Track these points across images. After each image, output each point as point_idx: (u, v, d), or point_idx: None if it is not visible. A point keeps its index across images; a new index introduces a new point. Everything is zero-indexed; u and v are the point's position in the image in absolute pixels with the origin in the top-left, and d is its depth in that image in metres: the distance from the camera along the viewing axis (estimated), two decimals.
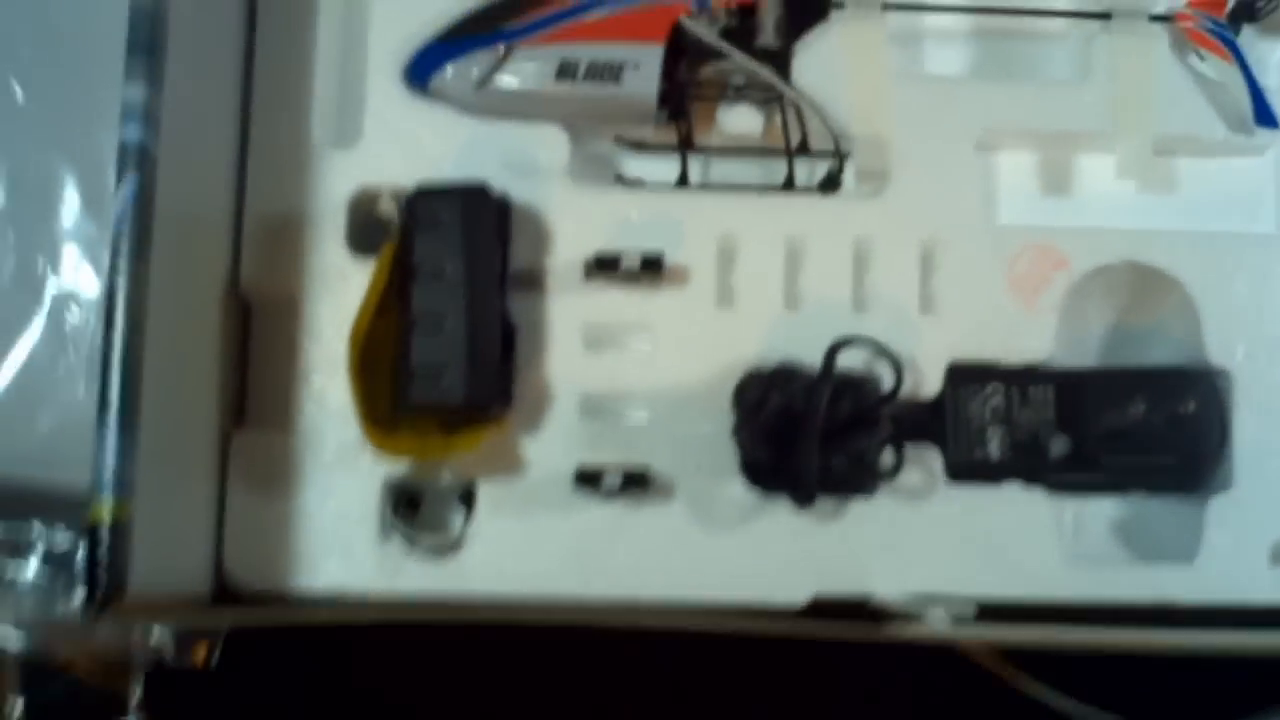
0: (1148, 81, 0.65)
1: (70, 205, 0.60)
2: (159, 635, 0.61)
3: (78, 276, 0.60)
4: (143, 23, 0.51)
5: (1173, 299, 0.64)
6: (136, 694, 0.63)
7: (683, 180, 0.64)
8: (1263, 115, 0.65)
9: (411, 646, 0.73)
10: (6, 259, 0.60)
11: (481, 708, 0.74)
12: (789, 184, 0.64)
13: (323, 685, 0.73)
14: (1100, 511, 0.65)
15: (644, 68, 0.61)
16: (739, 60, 0.63)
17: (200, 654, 0.63)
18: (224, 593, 0.60)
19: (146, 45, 0.51)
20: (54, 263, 0.60)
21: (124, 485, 0.50)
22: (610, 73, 0.61)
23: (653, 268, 0.61)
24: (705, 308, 0.62)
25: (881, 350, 0.61)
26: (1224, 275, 0.63)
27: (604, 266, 0.61)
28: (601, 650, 0.71)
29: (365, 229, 0.62)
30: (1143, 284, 0.65)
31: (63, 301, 0.60)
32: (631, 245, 0.61)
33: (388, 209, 0.61)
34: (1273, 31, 0.68)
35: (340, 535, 0.61)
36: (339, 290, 0.61)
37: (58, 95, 0.61)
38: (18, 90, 0.61)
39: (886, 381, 0.61)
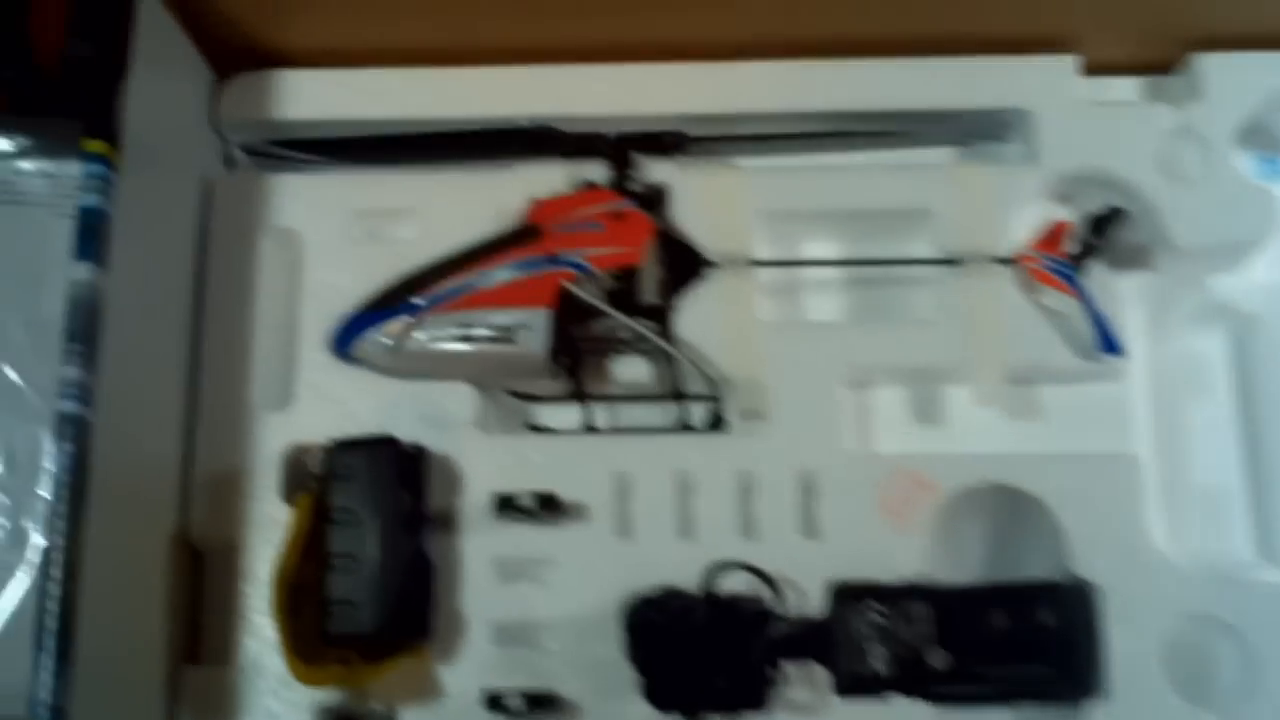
0: (997, 318, 0.71)
1: (50, 469, 0.68)
2: None
3: None
4: (79, 312, 0.59)
5: (1038, 517, 0.68)
6: None
7: (586, 426, 0.70)
8: (1105, 343, 0.70)
9: None
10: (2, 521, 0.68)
11: None
12: (681, 425, 0.70)
13: None
14: None
15: (535, 329, 0.68)
16: (620, 319, 0.70)
17: None
18: None
19: (83, 333, 0.59)
20: (37, 520, 0.67)
21: (59, 715, 0.56)
22: (505, 335, 0.68)
23: (549, 505, 0.67)
24: (605, 539, 0.68)
25: (757, 573, 0.65)
26: (1084, 493, 0.68)
27: (505, 506, 0.67)
28: None
29: (297, 481, 0.69)
30: (1009, 504, 0.69)
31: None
32: (536, 486, 0.67)
33: (314, 462, 0.67)
34: (1121, 264, 0.74)
35: None
36: (275, 537, 0.66)
37: (44, 375, 0.69)
38: (11, 373, 0.70)
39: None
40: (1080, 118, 0.73)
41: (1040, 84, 0.73)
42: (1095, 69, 0.74)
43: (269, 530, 0.68)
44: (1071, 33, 0.74)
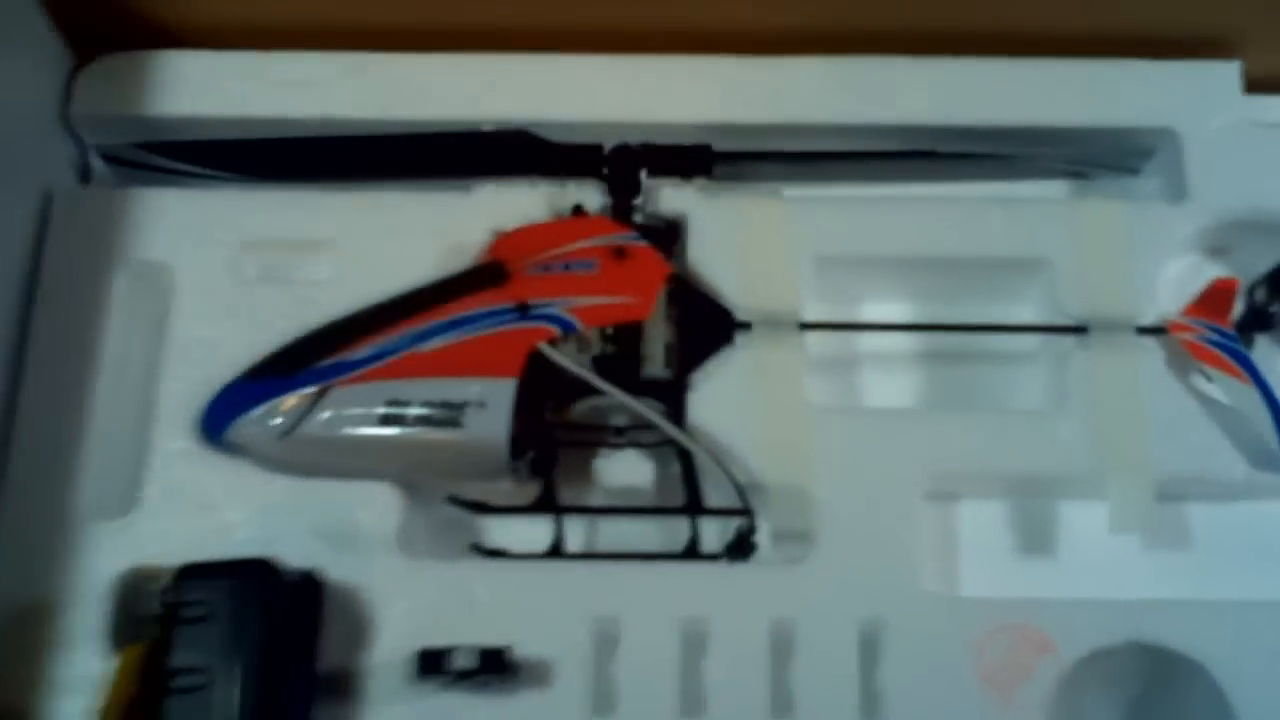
0: (1139, 408, 0.60)
1: None
2: None
3: None
4: None
5: (1196, 688, 0.57)
6: None
7: (555, 550, 0.55)
8: None
9: None
10: None
11: None
12: (691, 550, 0.56)
13: None
14: None
15: (491, 407, 0.54)
16: (615, 397, 0.55)
17: None
18: None
19: None
20: None
21: None
22: (449, 415, 0.54)
23: (497, 665, 0.52)
24: (576, 716, 0.55)
25: None
26: (1262, 656, 0.56)
27: (432, 667, 0.51)
28: None
29: (133, 623, 0.54)
30: (1154, 670, 0.58)
31: None
32: (479, 636, 0.53)
33: (152, 597, 0.52)
34: None
35: None
36: (90, 705, 0.53)
37: None
38: None
39: None
40: (1242, 143, 0.64)
41: (1191, 98, 0.65)
42: (1261, 83, 0.66)
43: (81, 695, 0.54)
44: (1232, 34, 0.66)
